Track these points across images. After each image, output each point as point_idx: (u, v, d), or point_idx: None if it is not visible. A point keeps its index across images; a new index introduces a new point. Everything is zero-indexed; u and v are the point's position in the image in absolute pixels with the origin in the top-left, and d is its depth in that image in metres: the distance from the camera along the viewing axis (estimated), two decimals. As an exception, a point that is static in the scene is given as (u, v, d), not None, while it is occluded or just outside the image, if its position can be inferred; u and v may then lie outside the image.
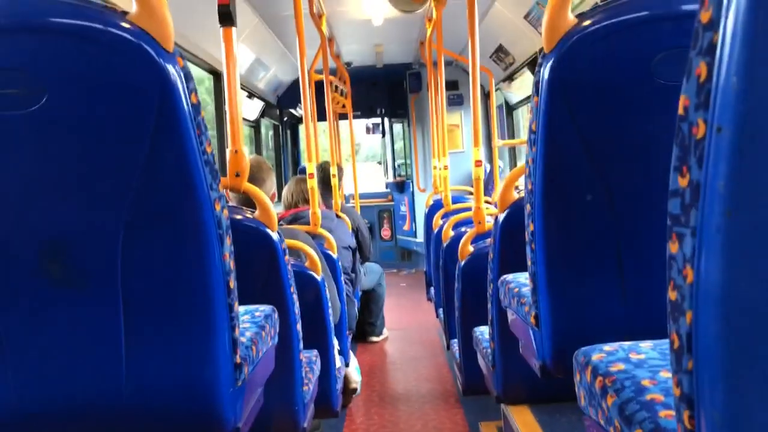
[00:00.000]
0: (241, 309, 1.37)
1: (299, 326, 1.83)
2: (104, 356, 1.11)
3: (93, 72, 1.00)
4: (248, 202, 2.13)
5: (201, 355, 1.12)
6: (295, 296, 1.81)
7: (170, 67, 1.01)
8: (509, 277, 1.72)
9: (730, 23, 0.50)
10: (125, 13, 1.02)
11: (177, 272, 1.09)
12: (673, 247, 0.61)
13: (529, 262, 1.38)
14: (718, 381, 0.56)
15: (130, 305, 1.09)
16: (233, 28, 1.73)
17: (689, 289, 0.58)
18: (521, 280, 1.64)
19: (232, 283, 1.15)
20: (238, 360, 1.19)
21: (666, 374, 0.90)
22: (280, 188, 6.42)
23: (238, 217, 1.68)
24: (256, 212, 1.71)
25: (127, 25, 1.00)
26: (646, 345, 1.01)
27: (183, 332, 1.12)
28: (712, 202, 0.53)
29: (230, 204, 1.91)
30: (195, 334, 1.12)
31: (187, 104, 1.03)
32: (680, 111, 0.57)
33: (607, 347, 1.01)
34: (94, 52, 0.99)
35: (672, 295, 0.62)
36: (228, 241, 1.14)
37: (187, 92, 1.03)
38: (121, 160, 1.04)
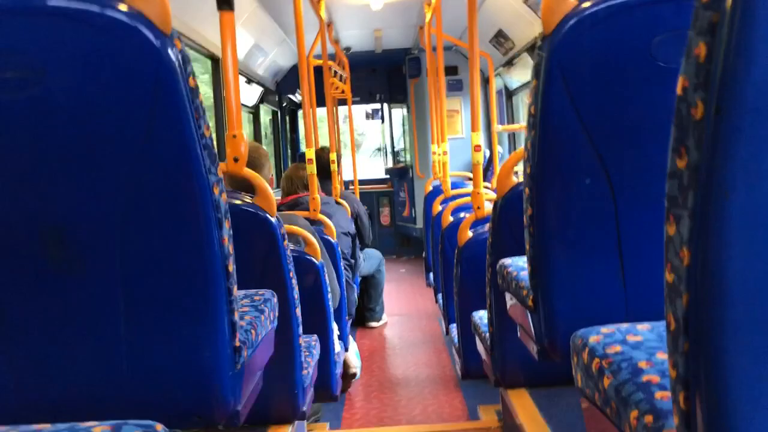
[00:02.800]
0: (241, 293, 1.37)
1: (298, 311, 1.84)
2: (104, 339, 1.11)
3: (90, 55, 0.99)
4: (247, 187, 2.13)
5: (200, 338, 1.13)
6: (294, 281, 1.81)
7: (167, 50, 1.00)
8: (507, 261, 1.72)
9: (729, 3, 0.49)
10: None
11: (176, 256, 1.09)
12: (670, 229, 0.61)
13: (527, 246, 1.38)
14: (713, 363, 0.57)
15: (129, 288, 1.09)
16: (232, 13, 1.72)
17: (686, 271, 0.58)
18: (519, 264, 1.64)
19: (231, 267, 1.16)
20: (237, 343, 1.19)
21: (663, 356, 0.90)
22: (278, 174, 6.42)
23: (237, 201, 1.68)
24: (255, 197, 1.71)
25: (123, 8, 0.99)
26: (643, 327, 1.01)
27: (182, 315, 1.12)
28: (709, 184, 0.53)
29: (229, 189, 1.91)
30: (194, 317, 1.12)
31: (185, 87, 1.03)
32: (679, 91, 0.57)
33: (605, 329, 1.01)
34: (91, 35, 0.98)
35: (669, 277, 0.62)
36: (227, 225, 1.14)
37: (184, 75, 1.03)
38: (119, 144, 1.04)
